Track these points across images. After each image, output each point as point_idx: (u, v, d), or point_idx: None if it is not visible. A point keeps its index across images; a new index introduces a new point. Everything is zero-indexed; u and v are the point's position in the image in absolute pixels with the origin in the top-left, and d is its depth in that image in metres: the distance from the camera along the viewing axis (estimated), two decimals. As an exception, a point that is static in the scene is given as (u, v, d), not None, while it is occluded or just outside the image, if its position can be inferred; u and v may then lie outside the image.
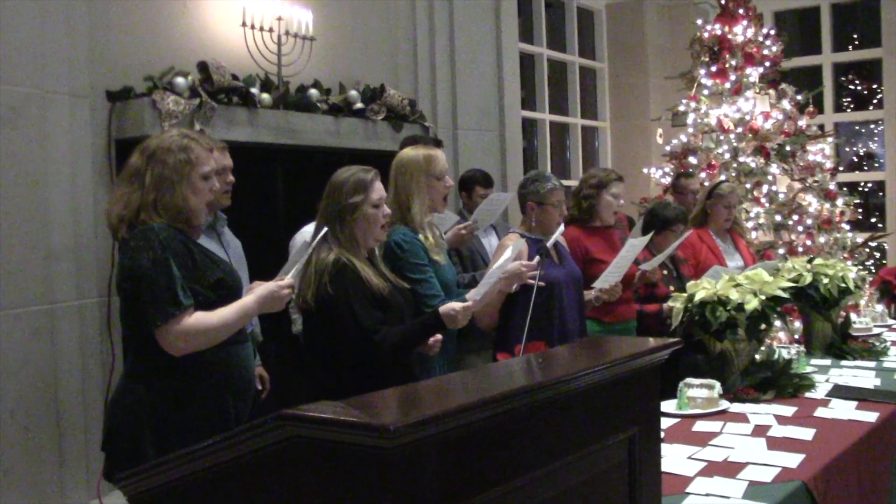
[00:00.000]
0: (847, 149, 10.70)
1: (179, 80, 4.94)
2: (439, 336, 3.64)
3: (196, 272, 3.08)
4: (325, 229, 3.43)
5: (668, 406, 3.75)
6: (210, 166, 3.20)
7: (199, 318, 3.02)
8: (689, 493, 2.88)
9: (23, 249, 4.39)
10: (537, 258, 3.95)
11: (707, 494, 2.87)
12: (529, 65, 9.06)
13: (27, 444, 4.37)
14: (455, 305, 3.44)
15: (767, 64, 8.37)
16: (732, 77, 8.27)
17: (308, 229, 4.74)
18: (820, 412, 3.85)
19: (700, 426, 3.67)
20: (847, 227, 8.26)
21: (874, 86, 10.39)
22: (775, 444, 3.39)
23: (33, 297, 4.44)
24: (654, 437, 2.30)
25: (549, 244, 4.04)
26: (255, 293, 3.19)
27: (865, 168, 10.64)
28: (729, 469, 3.10)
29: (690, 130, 8.33)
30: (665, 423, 3.56)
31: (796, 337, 6.61)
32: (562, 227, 4.19)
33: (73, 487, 4.59)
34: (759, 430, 3.58)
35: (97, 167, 4.82)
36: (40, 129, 4.49)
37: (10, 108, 4.36)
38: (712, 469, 3.11)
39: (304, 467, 1.66)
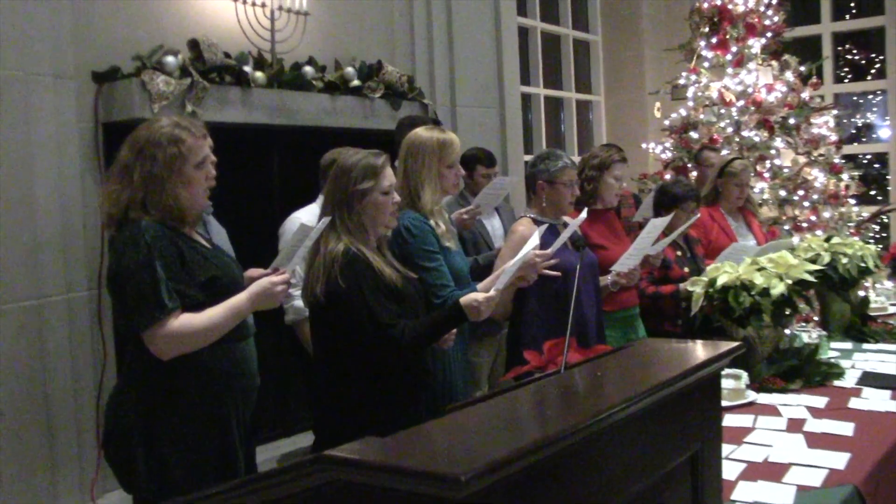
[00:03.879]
0: (846, 120, 10.49)
1: (169, 59, 4.67)
2: (454, 329, 3.45)
3: (185, 272, 2.94)
4: (326, 219, 3.21)
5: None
6: (203, 153, 3.06)
7: (185, 321, 2.89)
8: (735, 501, 2.69)
9: (7, 241, 4.16)
10: (539, 239, 3.70)
11: (755, 503, 2.68)
12: (523, 38, 8.80)
13: (17, 446, 4.16)
14: (478, 297, 3.22)
15: (769, 34, 8.15)
16: (734, 48, 8.05)
17: (298, 215, 4.51)
18: (854, 403, 3.68)
19: (730, 420, 3.48)
20: (853, 201, 8.07)
21: (873, 55, 10.18)
22: (815, 440, 3.21)
23: (20, 292, 4.21)
24: (716, 452, 2.10)
25: (568, 231, 3.81)
26: (248, 291, 3.04)
27: (864, 140, 10.44)
28: (772, 471, 2.92)
29: (690, 104, 8.12)
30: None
31: (805, 315, 6.44)
32: (584, 214, 3.96)
33: (67, 490, 4.38)
34: (795, 425, 3.40)
35: (84, 153, 4.57)
36: (24, 113, 4.24)
37: (-9, 91, 4.11)
38: (755, 472, 2.92)
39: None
